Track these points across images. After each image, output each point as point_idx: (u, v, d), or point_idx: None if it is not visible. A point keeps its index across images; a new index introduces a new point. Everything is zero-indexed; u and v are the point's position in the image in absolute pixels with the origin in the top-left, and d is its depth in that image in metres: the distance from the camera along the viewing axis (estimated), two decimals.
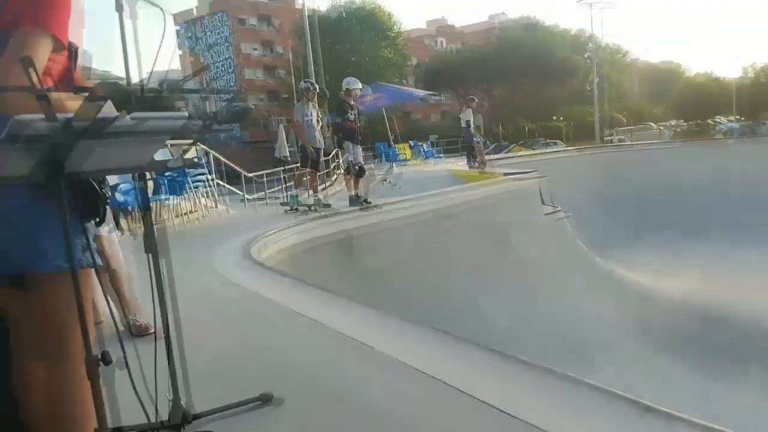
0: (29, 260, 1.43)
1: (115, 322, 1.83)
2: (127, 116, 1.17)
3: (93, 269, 1.51)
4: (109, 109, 1.46)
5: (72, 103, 1.26)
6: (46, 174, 1.12)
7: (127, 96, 1.63)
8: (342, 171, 20.22)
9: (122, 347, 1.49)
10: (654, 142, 30.84)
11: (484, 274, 9.20)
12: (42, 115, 1.06)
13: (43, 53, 1.41)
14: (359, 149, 8.76)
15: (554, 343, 9.06)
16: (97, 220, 1.54)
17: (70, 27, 1.50)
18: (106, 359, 1.34)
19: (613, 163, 21.56)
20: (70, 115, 1.11)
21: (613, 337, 9.89)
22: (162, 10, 1.77)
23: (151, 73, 1.67)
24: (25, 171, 1.12)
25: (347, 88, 8.79)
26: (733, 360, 9.25)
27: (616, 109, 60.86)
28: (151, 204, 2.35)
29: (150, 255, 1.71)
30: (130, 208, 7.05)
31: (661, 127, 47.05)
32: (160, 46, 1.84)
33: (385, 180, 9.03)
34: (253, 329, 3.27)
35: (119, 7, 1.62)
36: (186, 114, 1.40)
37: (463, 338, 2.74)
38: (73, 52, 1.56)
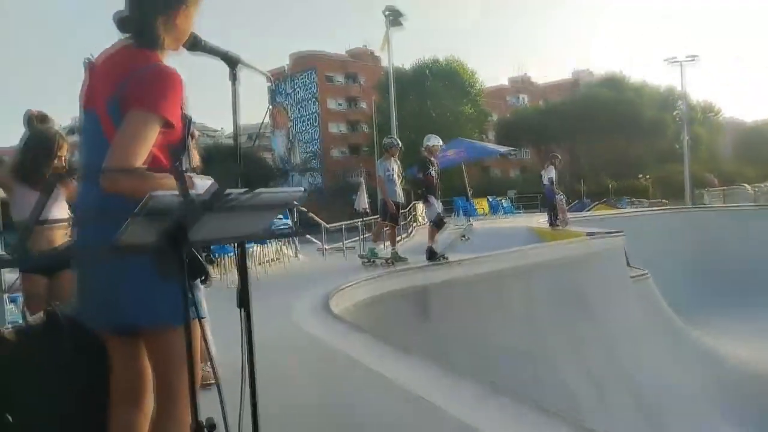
0: (143, 315, 1.57)
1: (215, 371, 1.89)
2: (253, 191, 1.29)
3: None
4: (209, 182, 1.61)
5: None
6: (170, 243, 1.24)
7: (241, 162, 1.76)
8: (417, 224, 20.37)
9: (221, 401, 1.51)
10: (748, 205, 29.07)
11: (564, 335, 8.89)
12: (176, 192, 1.20)
13: (151, 132, 1.58)
14: (439, 203, 8.87)
15: (631, 408, 8.57)
16: (203, 278, 1.65)
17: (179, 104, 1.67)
18: (210, 424, 1.38)
19: (704, 225, 20.45)
20: (201, 192, 1.23)
21: (693, 408, 9.21)
22: (271, 80, 1.93)
23: (257, 135, 1.82)
24: (152, 239, 1.24)
25: (427, 145, 8.97)
26: None
27: (707, 169, 58.08)
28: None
29: (242, 309, 1.79)
30: (216, 255, 7.38)
31: (756, 189, 44.29)
32: (267, 111, 2.01)
33: (463, 236, 9.01)
34: (325, 382, 3.31)
35: (233, 78, 1.76)
36: (302, 189, 1.52)
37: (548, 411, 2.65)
38: (186, 122, 1.72)
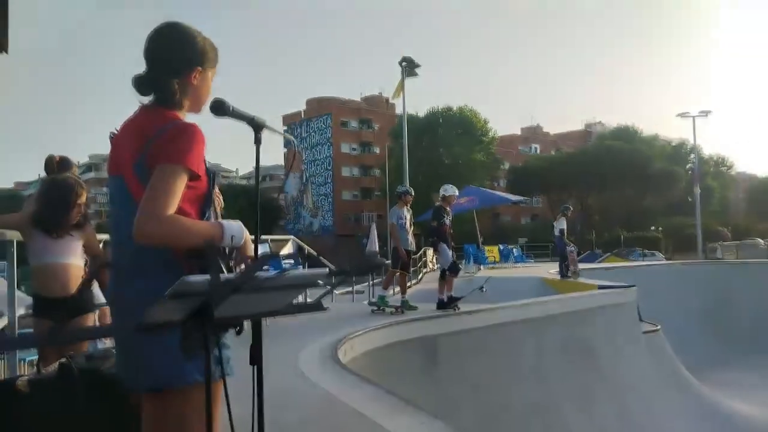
0: (170, 375, 1.61)
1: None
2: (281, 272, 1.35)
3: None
4: (237, 233, 1.65)
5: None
6: (195, 322, 1.28)
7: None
8: (426, 269, 20.30)
9: None
10: (762, 260, 28.75)
11: (574, 389, 8.73)
12: (206, 277, 1.24)
13: (179, 184, 1.63)
14: (452, 252, 8.86)
15: None
16: (237, 329, 1.68)
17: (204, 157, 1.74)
18: None
19: (717, 279, 20.21)
20: (231, 276, 1.28)
21: None
22: (295, 143, 2.01)
23: (281, 191, 1.87)
24: (177, 317, 1.29)
25: (444, 195, 9.03)
26: None
27: (720, 223, 57.76)
28: None
29: (255, 367, 1.80)
30: None
31: None
32: (288, 169, 2.07)
33: (481, 288, 8.97)
34: None
35: (257, 141, 1.84)
36: (326, 270, 1.56)
37: None
38: (211, 177, 1.78)
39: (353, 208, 63.19)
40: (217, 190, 1.91)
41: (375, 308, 9.20)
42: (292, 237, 10.73)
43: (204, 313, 1.25)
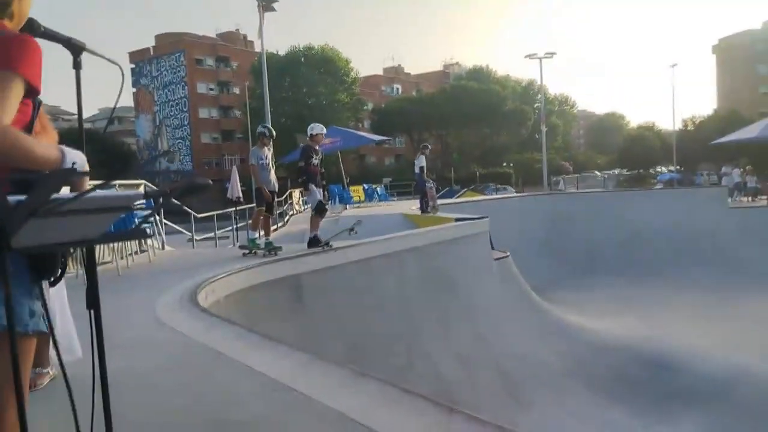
0: None
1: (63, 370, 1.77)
2: (80, 194, 1.20)
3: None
4: (80, 160, 1.50)
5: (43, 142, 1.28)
6: None
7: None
8: (293, 212, 20.22)
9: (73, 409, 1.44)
10: (597, 190, 32.01)
11: (433, 317, 9.29)
12: None
13: (15, 93, 1.44)
14: (320, 191, 8.83)
15: (497, 382, 9.21)
16: (52, 279, 1.53)
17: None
18: None
19: (558, 209, 22.24)
20: (21, 198, 1.14)
21: (552, 378, 10.10)
22: (122, 69, 1.83)
23: (109, 120, 1.72)
24: None
25: (311, 134, 8.88)
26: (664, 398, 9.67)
27: (563, 158, 63.20)
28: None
29: (92, 311, 1.70)
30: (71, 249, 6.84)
31: (605, 176, 48.97)
32: (117, 100, 1.90)
33: (351, 229, 9.07)
34: (189, 379, 3.22)
35: (77, 65, 1.66)
36: (141, 192, 1.44)
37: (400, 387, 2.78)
38: (36, 104, 1.59)
39: (213, 151, 60.54)
40: (51, 127, 1.72)
41: (246, 251, 9.05)
42: (143, 181, 10.08)
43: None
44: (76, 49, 1.67)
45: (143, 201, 1.45)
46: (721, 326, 13.29)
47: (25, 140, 1.41)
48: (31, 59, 1.50)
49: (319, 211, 8.73)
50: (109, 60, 1.80)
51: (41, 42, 1.66)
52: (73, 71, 1.66)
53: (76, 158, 1.52)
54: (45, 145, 1.50)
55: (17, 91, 1.45)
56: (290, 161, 22.52)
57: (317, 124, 9.14)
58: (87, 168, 1.58)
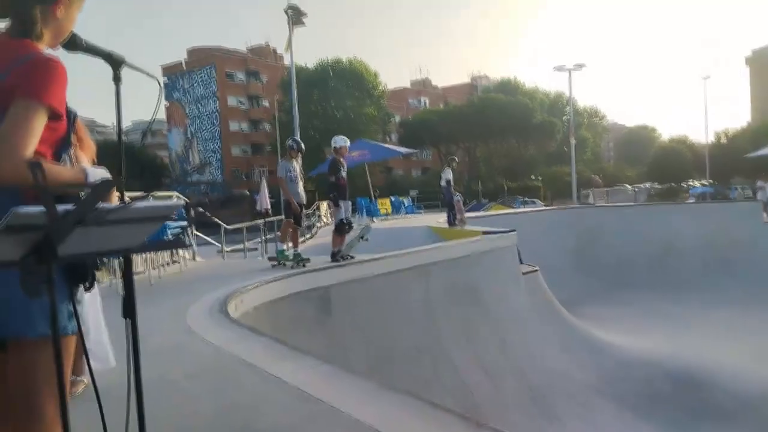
0: (14, 325, 1.48)
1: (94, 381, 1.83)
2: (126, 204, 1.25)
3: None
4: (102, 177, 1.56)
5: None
6: (37, 259, 1.18)
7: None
8: (321, 224, 20.35)
9: (102, 414, 1.49)
10: (628, 204, 31.52)
11: (460, 329, 9.24)
12: (42, 208, 1.15)
13: (38, 122, 1.49)
14: (349, 205, 8.88)
15: (524, 396, 9.10)
16: (87, 285, 1.59)
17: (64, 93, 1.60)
18: None
19: (588, 222, 21.96)
20: (70, 207, 1.20)
21: (578, 391, 9.94)
22: (159, 83, 1.88)
23: (144, 132, 1.78)
24: (17, 257, 1.18)
25: (336, 147, 8.93)
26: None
27: (593, 170, 62.41)
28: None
29: (128, 320, 1.75)
30: (105, 259, 7.00)
31: (636, 189, 48.23)
32: (154, 113, 1.95)
33: (362, 237, 9.11)
34: (219, 388, 3.27)
35: (117, 79, 1.71)
36: (182, 202, 1.50)
37: (439, 406, 2.78)
38: (71, 117, 1.65)
39: (243, 164, 61.43)
40: (88, 139, 1.79)
41: (275, 263, 9.15)
42: (175, 192, 10.29)
43: (46, 250, 1.17)
44: (116, 63, 1.70)
45: (182, 211, 1.51)
46: (752, 342, 12.94)
47: (50, 170, 1.43)
48: (57, 86, 1.54)
49: (340, 230, 8.75)
50: (148, 74, 1.85)
51: (80, 56, 1.72)
52: (109, 85, 1.72)
53: (98, 176, 1.57)
54: (67, 171, 1.57)
55: (41, 121, 1.50)
56: (318, 173, 22.72)
57: (341, 136, 9.18)
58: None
